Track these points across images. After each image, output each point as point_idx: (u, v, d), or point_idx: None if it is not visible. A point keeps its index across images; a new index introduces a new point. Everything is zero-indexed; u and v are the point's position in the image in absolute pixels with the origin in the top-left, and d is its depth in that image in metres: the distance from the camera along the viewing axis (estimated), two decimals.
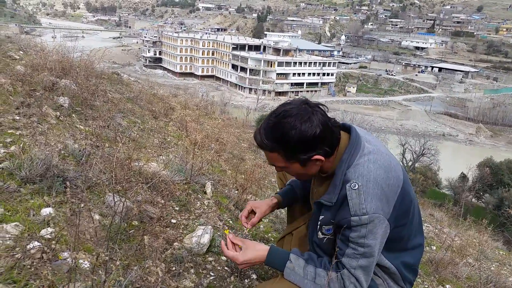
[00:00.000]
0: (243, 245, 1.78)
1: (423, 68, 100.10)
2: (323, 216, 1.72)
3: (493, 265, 4.37)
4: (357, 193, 1.57)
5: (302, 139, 1.59)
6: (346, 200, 1.59)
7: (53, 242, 1.74)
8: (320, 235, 1.75)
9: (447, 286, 3.17)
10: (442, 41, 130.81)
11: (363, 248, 1.59)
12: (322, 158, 1.65)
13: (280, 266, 1.70)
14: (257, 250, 1.75)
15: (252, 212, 2.14)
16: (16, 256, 1.61)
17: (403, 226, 1.73)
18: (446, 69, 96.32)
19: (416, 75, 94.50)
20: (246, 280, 2.26)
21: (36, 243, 1.69)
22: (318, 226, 1.75)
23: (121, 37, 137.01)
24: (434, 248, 4.27)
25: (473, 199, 23.11)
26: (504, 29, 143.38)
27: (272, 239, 2.95)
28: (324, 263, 1.69)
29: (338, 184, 1.64)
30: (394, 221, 1.65)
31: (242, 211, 2.16)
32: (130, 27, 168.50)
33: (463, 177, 24.69)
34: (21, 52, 5.42)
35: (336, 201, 1.63)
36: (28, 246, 1.67)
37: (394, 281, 1.81)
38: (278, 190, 2.35)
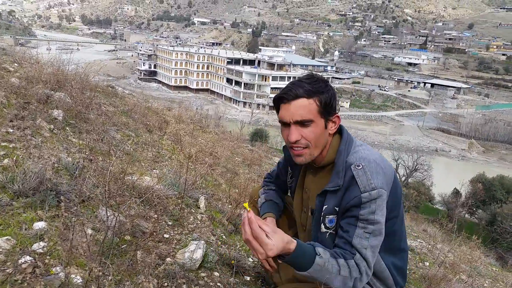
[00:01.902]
0: (272, 231, 1.53)
1: (416, 84, 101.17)
2: (326, 206, 1.73)
3: (486, 282, 4.38)
4: (363, 172, 1.65)
5: (334, 93, 1.76)
6: (353, 180, 1.65)
7: (46, 256, 1.72)
8: (323, 228, 1.75)
9: None
10: (434, 57, 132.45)
11: (372, 226, 1.62)
12: (339, 120, 1.79)
13: (307, 263, 1.55)
14: (284, 240, 1.53)
15: None
16: (7, 270, 1.59)
17: (395, 219, 1.77)
18: (438, 85, 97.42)
19: (409, 90, 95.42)
20: None
21: (28, 258, 1.68)
22: (322, 218, 1.75)
23: (116, 50, 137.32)
24: (427, 264, 4.27)
25: (466, 215, 23.18)
26: (495, 46, 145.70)
27: None
28: (339, 252, 1.64)
29: (341, 170, 1.70)
30: (389, 207, 1.70)
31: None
32: (125, 40, 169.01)
33: (456, 192, 24.77)
34: (15, 64, 5.42)
35: (342, 183, 1.68)
36: (19, 261, 1.66)
37: (388, 287, 1.83)
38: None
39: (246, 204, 1.64)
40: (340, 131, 1.83)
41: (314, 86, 1.71)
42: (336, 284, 1.58)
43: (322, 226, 1.75)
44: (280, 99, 1.74)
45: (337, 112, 1.79)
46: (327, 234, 1.74)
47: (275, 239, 1.50)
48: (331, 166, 1.79)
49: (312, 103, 1.69)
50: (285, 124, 1.75)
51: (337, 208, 1.70)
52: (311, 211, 1.86)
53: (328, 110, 1.73)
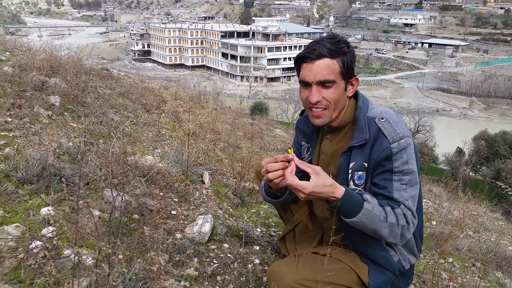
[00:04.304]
0: (313, 173, 1.57)
1: (413, 44, 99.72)
2: (354, 162, 1.73)
3: (493, 236, 4.43)
4: (388, 123, 1.67)
5: (354, 55, 1.73)
6: (379, 133, 1.66)
7: (56, 240, 1.74)
8: (351, 185, 1.74)
9: (449, 259, 3.21)
10: (430, 16, 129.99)
11: (408, 176, 1.65)
12: (358, 82, 1.78)
13: (356, 208, 1.57)
14: (326, 183, 1.56)
15: None
16: (19, 256, 1.61)
17: (418, 175, 1.76)
18: (436, 44, 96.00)
19: (407, 52, 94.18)
20: (249, 265, 2.28)
21: (38, 242, 1.69)
22: (350, 175, 1.74)
23: (108, 32, 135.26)
24: (434, 223, 4.32)
25: (471, 173, 23.27)
26: (492, 0, 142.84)
27: (273, 224, 2.98)
28: (385, 202, 1.65)
29: (364, 125, 1.70)
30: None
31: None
32: (116, 21, 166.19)
33: (460, 151, 24.80)
34: (7, 53, 5.36)
35: (369, 137, 1.68)
36: (30, 246, 1.68)
37: (409, 250, 1.84)
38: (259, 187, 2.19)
39: (290, 150, 1.64)
40: (355, 94, 1.83)
41: (337, 47, 1.67)
42: (384, 232, 1.60)
43: (351, 183, 1.74)
44: (303, 58, 1.70)
45: (356, 75, 1.77)
46: (356, 191, 1.71)
47: (314, 180, 1.54)
48: (350, 126, 1.79)
49: (335, 64, 1.67)
50: (306, 84, 1.71)
51: (366, 164, 1.70)
52: (332, 175, 1.80)
53: (349, 72, 1.71)
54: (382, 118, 1.69)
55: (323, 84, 1.67)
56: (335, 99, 1.70)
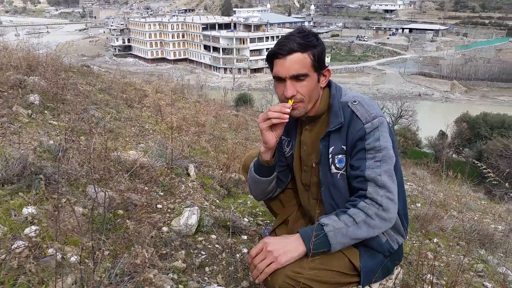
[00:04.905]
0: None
1: (394, 30, 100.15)
2: (333, 147, 1.76)
3: (476, 215, 4.52)
4: (360, 105, 1.72)
5: (324, 47, 1.77)
6: (353, 115, 1.71)
7: (38, 239, 1.72)
8: (333, 169, 1.77)
9: (434, 239, 3.26)
10: (410, 1, 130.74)
11: (380, 153, 1.66)
12: (330, 73, 1.82)
13: (324, 239, 1.59)
14: (287, 242, 1.63)
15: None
16: (1, 257, 1.58)
17: (396, 157, 1.77)
18: (416, 29, 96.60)
19: (388, 38, 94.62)
20: (237, 255, 2.28)
21: (21, 242, 1.67)
22: (330, 160, 1.77)
23: (87, 29, 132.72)
24: (419, 205, 4.38)
25: (454, 155, 23.62)
26: None
27: (260, 213, 2.98)
28: (347, 204, 1.67)
29: (339, 110, 1.75)
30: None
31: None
32: (95, 17, 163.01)
33: (442, 134, 25.09)
34: None
35: (344, 120, 1.73)
36: (12, 246, 1.65)
37: (396, 230, 1.85)
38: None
39: (291, 101, 1.72)
40: (328, 83, 1.87)
41: (306, 40, 1.70)
42: (362, 233, 1.61)
43: (333, 167, 1.77)
44: (275, 55, 1.72)
45: (327, 65, 1.80)
46: (338, 174, 1.76)
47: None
48: (326, 114, 1.83)
49: (307, 57, 1.70)
50: (280, 80, 1.74)
51: (344, 147, 1.74)
52: (314, 163, 1.87)
53: (320, 64, 1.74)
54: (354, 102, 1.74)
55: (297, 78, 1.70)
56: (309, 92, 1.74)
